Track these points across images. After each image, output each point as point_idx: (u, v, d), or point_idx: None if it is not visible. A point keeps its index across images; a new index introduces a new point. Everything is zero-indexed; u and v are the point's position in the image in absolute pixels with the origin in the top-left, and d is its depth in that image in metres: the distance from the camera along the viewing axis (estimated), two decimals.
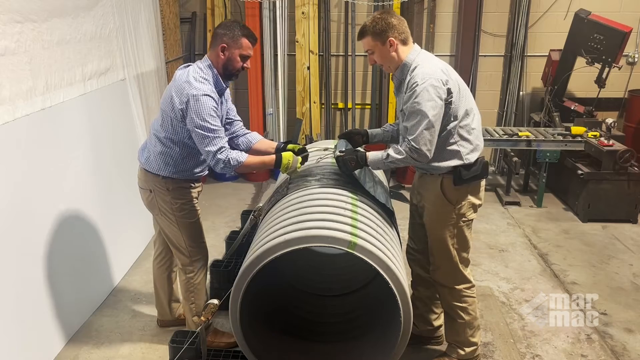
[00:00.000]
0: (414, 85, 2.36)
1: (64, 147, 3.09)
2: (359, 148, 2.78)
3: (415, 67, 2.42)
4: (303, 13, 5.60)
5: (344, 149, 2.68)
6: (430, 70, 2.37)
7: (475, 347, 2.76)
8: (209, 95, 2.49)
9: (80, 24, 3.30)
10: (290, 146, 2.85)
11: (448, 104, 2.39)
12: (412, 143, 2.38)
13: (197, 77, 2.52)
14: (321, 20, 5.68)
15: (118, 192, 3.66)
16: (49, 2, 2.95)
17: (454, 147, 2.48)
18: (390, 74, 2.59)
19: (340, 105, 6.00)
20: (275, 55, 5.66)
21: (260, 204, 3.03)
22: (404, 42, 2.46)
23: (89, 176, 3.35)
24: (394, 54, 2.45)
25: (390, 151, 2.48)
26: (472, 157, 2.50)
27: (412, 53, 2.47)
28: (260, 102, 5.84)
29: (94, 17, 3.49)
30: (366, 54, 2.58)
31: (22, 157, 2.70)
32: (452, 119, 2.44)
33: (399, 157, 2.45)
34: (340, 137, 2.85)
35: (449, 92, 2.38)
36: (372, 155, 2.57)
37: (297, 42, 5.69)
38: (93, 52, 3.46)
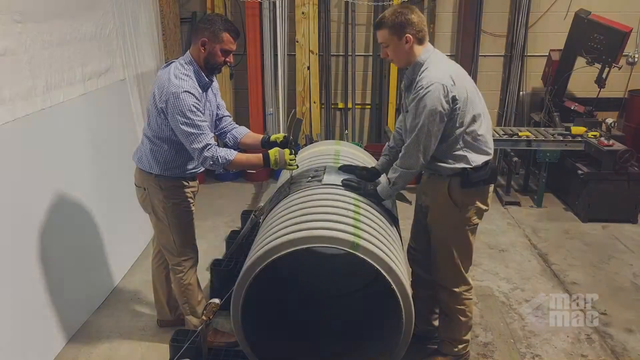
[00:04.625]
0: (418, 89, 2.32)
1: (64, 147, 3.08)
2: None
3: (425, 69, 2.37)
4: (303, 13, 5.60)
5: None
6: (437, 75, 2.31)
7: (466, 344, 2.79)
8: (189, 92, 2.45)
9: (80, 24, 3.30)
10: (273, 137, 2.83)
11: (453, 110, 2.34)
12: (404, 150, 2.43)
13: (177, 74, 2.50)
14: (321, 20, 5.67)
15: (118, 191, 3.65)
16: (49, 2, 2.95)
17: (460, 152, 2.44)
18: (397, 69, 2.54)
19: (340, 105, 5.99)
20: (275, 55, 5.65)
21: (261, 204, 3.03)
22: (420, 41, 2.40)
23: (88, 176, 3.35)
24: (408, 51, 2.40)
25: (390, 173, 2.54)
26: (479, 160, 2.45)
27: (425, 53, 2.41)
28: (260, 102, 5.82)
29: (94, 17, 3.48)
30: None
31: (22, 157, 2.69)
32: (457, 125, 2.38)
33: (396, 175, 2.49)
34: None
35: (454, 99, 2.31)
36: (379, 187, 2.62)
37: (297, 42, 5.68)
38: (93, 52, 3.46)
